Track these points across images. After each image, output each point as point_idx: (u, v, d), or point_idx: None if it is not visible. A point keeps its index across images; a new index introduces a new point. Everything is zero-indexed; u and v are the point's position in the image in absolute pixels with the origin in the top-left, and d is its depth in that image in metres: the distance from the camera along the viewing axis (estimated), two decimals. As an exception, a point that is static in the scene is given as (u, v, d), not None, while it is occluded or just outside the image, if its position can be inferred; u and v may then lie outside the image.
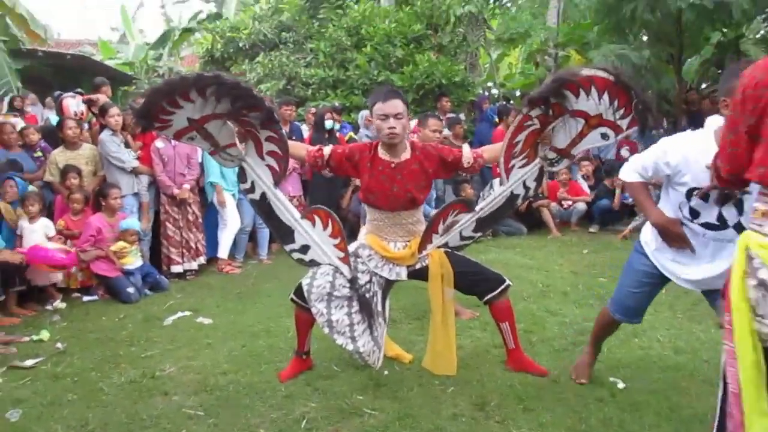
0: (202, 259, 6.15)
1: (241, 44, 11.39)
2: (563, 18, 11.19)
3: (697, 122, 8.55)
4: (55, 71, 13.80)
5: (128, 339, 4.24)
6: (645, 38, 10.04)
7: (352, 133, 8.15)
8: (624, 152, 8.64)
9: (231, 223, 6.28)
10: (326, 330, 3.13)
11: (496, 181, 7.04)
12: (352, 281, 3.17)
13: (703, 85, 11.60)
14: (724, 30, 10.08)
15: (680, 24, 8.90)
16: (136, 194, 5.90)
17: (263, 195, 3.13)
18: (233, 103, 2.84)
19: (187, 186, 5.97)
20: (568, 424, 2.81)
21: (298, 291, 3.28)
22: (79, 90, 6.98)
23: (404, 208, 3.20)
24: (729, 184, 2.06)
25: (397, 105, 3.06)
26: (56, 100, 7.01)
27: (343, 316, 3.14)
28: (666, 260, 2.78)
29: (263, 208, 3.18)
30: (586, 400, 3.03)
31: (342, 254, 3.19)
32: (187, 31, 18.90)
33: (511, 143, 3.10)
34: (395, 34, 9.50)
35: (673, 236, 2.68)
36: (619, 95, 2.84)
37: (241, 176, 3.12)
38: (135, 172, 5.84)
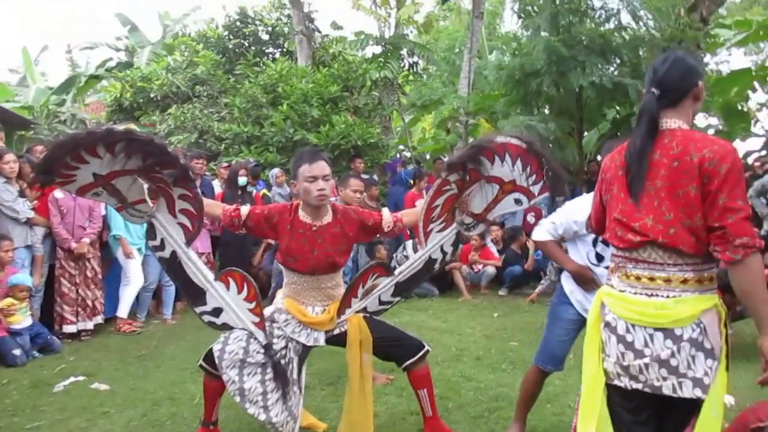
0: (99, 318, 5.74)
1: (152, 95, 11.11)
2: (472, 88, 11.72)
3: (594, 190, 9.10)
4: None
5: (12, 408, 3.85)
6: (548, 111, 10.65)
7: (265, 190, 8.04)
8: (530, 218, 8.99)
9: (134, 280, 5.94)
10: (237, 399, 2.95)
11: (409, 243, 7.11)
12: (267, 347, 3.02)
13: (599, 157, 12.39)
14: (618, 108, 10.89)
15: (581, 100, 9.52)
16: (29, 247, 5.47)
17: (173, 253, 2.97)
18: (145, 160, 2.72)
19: (86, 240, 5.62)
20: (488, 496, 2.75)
21: (208, 357, 3.09)
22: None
23: (324, 272, 3.12)
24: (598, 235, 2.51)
25: (324, 167, 3.04)
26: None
27: (256, 384, 2.98)
28: (587, 304, 2.99)
29: (173, 267, 3.01)
30: (504, 470, 2.99)
31: (257, 319, 3.06)
32: (95, 77, 18.32)
33: (429, 207, 3.15)
34: (312, 94, 9.59)
35: (586, 280, 3.03)
36: (531, 162, 3.01)
37: (150, 233, 2.95)
38: (29, 223, 5.44)
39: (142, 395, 4.06)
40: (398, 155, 12.48)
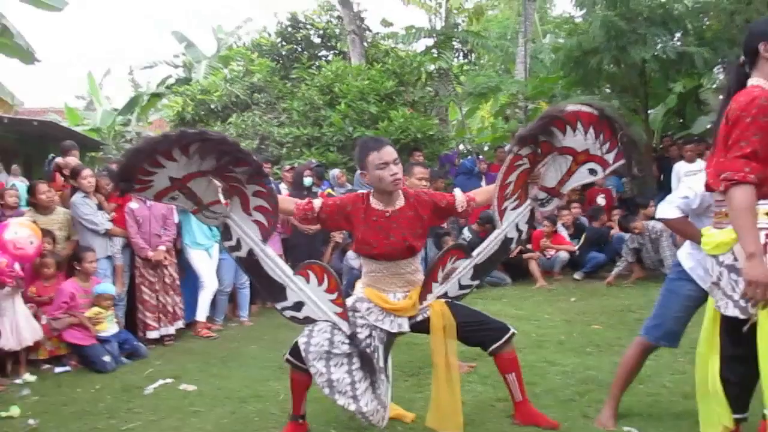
0: (180, 323, 5.89)
1: (212, 106, 11.39)
2: (529, 73, 11.50)
3: (664, 168, 8.72)
4: (20, 139, 13.54)
5: (107, 411, 3.96)
6: (609, 90, 10.33)
7: (330, 190, 8.08)
8: (600, 200, 8.75)
9: (209, 284, 6.07)
10: (326, 391, 2.95)
11: (466, 229, 7.06)
12: (352, 337, 3.01)
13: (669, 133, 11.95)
14: (683, 81, 10.47)
15: (644, 75, 9.20)
16: (109, 257, 5.67)
17: (250, 252, 2.98)
18: (219, 159, 2.73)
19: (162, 248, 5.77)
20: (589, 479, 2.65)
21: (294, 351, 3.10)
22: (53, 155, 6.83)
23: (402, 257, 3.09)
24: None
25: (392, 151, 3.02)
26: (49, 164, 6.88)
27: (343, 374, 2.97)
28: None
29: (251, 265, 3.02)
30: (603, 453, 2.88)
31: (340, 309, 3.05)
32: (156, 96, 18.93)
33: (503, 184, 3.09)
34: (368, 90, 9.61)
35: None
36: (603, 129, 2.96)
37: (226, 234, 2.96)
38: (108, 234, 5.63)
39: (228, 394, 4.12)
40: (455, 148, 12.38)
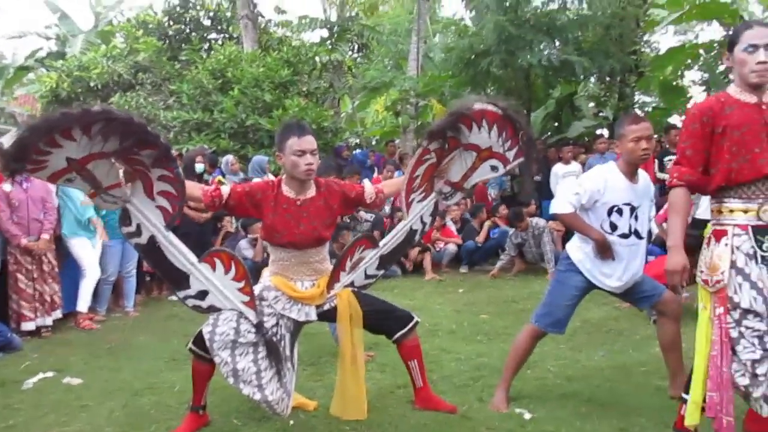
0: (58, 313, 5.52)
1: (91, 84, 10.71)
2: (420, 71, 11.77)
3: (544, 168, 9.28)
4: None
5: (-20, 408, 3.66)
6: (496, 92, 10.81)
7: (221, 177, 7.87)
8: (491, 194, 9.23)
9: (91, 272, 5.72)
10: (231, 380, 2.90)
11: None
12: (258, 326, 2.98)
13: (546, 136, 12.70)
14: (561, 87, 11.16)
15: (529, 79, 9.73)
16: (-21, 242, 5.21)
17: (152, 238, 2.84)
18: (123, 140, 2.57)
19: (46, 236, 5.40)
20: (488, 457, 2.81)
21: (198, 340, 3.02)
22: None
23: (311, 246, 3.10)
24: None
25: (312, 141, 3.01)
26: None
27: (249, 363, 2.93)
28: (597, 273, 3.29)
29: (152, 252, 2.88)
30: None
31: (247, 298, 3.00)
32: (23, 69, 17.50)
33: (411, 177, 3.18)
34: (263, 78, 9.43)
35: (606, 248, 3.21)
36: (506, 127, 3.09)
37: (125, 219, 2.80)
38: (-22, 217, 5.17)
39: (119, 386, 3.94)
40: (345, 140, 12.43)
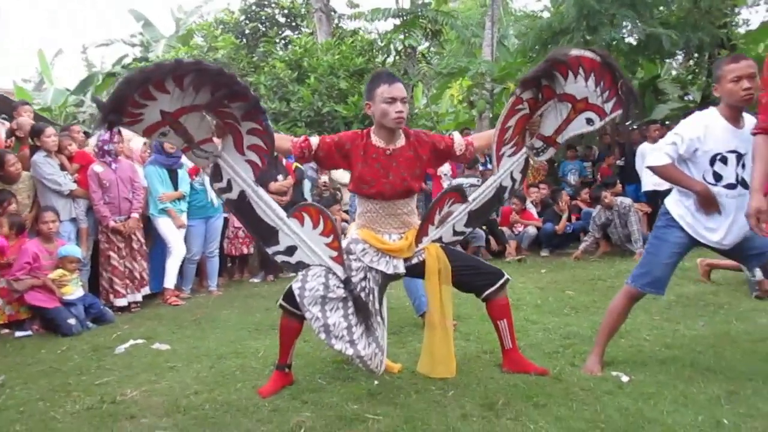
0: (146, 290, 5.70)
1: (175, 83, 11.01)
2: (494, 58, 11.55)
3: (628, 152, 8.91)
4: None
5: (77, 369, 3.79)
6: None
7: (297, 163, 7.96)
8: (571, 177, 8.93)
9: (177, 251, 5.88)
10: (322, 335, 2.87)
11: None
12: (347, 282, 2.93)
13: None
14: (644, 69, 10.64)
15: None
16: (73, 220, 5.45)
17: (242, 193, 2.85)
18: (214, 92, 2.57)
19: (135, 215, 5.62)
20: (586, 416, 2.65)
21: (288, 296, 3.02)
22: (3, 116, 6.48)
23: (399, 197, 3.03)
24: None
25: (402, 88, 2.95)
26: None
27: (339, 318, 2.89)
28: (700, 228, 3.05)
29: (242, 208, 2.89)
30: (595, 393, 2.89)
31: (335, 253, 2.97)
32: (111, 75, 18.29)
33: (503, 128, 3.06)
34: (338, 66, 9.48)
35: (711, 201, 2.97)
36: (604, 77, 2.94)
37: (216, 175, 2.82)
38: (72, 195, 5.40)
39: (205, 352, 4.00)
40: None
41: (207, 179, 6.05)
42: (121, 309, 5.46)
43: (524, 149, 3.16)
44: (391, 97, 2.89)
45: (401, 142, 3.03)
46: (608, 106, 3.02)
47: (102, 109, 2.49)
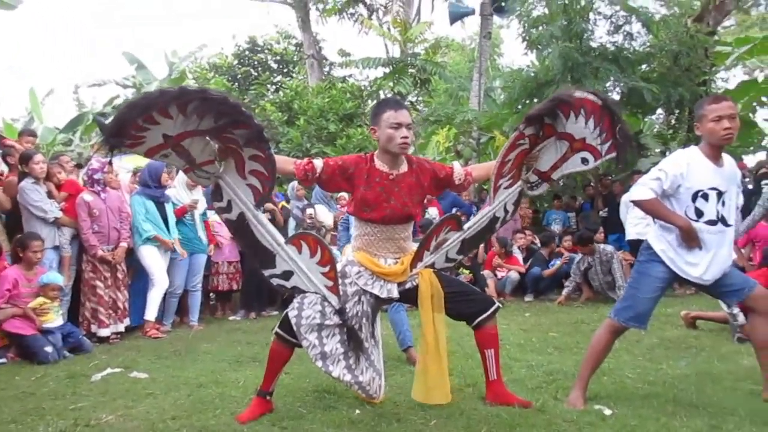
0: (127, 321, 5.62)
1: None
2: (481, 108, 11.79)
3: (611, 203, 9.03)
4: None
5: (51, 394, 3.71)
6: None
7: (284, 203, 8.00)
8: (554, 226, 9.01)
9: (159, 282, 5.81)
10: (319, 363, 2.90)
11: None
12: (341, 312, 2.95)
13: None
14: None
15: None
16: (56, 248, 5.39)
17: (241, 215, 2.87)
18: (218, 119, 2.61)
19: (124, 245, 5.60)
20: (568, 445, 2.63)
21: (284, 324, 3.03)
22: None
23: (398, 223, 3.07)
24: None
25: (407, 115, 3.02)
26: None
27: (336, 345, 2.94)
28: (681, 263, 3.10)
29: (240, 229, 2.91)
30: (578, 425, 2.89)
31: (331, 283, 2.99)
32: (101, 115, 18.39)
33: (503, 161, 3.14)
34: (328, 109, 9.64)
35: (692, 236, 3.03)
36: (604, 119, 3.03)
37: (216, 194, 2.84)
38: (57, 223, 5.37)
39: (184, 381, 3.92)
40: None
41: (197, 215, 6.19)
42: (100, 340, 5.37)
43: (519, 182, 3.23)
44: (397, 122, 2.96)
45: (404, 167, 3.09)
46: (604, 148, 3.12)
47: (104, 132, 2.51)
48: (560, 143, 3.11)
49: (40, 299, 4.83)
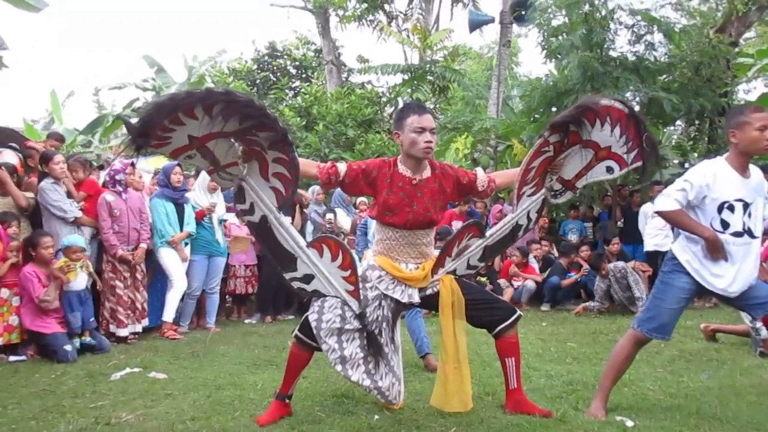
0: (146, 321, 5.65)
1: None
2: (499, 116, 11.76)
3: (628, 214, 8.96)
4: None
5: (71, 392, 3.74)
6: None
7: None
8: (572, 236, 8.93)
9: (178, 284, 5.84)
10: (339, 367, 2.90)
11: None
12: (361, 316, 2.95)
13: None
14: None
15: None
16: (77, 248, 5.42)
17: (263, 218, 2.88)
18: (242, 122, 2.62)
19: (143, 245, 5.62)
20: (590, 456, 2.60)
21: (304, 327, 3.03)
22: (12, 145, 6.54)
23: (421, 227, 3.06)
24: None
25: (431, 120, 3.01)
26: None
27: (356, 349, 2.94)
28: (707, 274, 3.05)
29: (262, 231, 2.92)
30: (600, 436, 2.84)
31: (352, 287, 2.99)
32: (121, 118, 18.53)
33: (527, 169, 3.12)
34: (346, 115, 9.67)
35: (718, 248, 2.97)
36: (630, 128, 3.01)
37: (239, 196, 2.85)
38: (77, 223, 5.41)
39: (202, 382, 3.94)
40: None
41: (215, 218, 6.21)
42: (118, 339, 5.39)
43: (543, 190, 3.22)
44: (421, 126, 2.94)
45: (427, 173, 3.08)
46: (629, 157, 3.09)
47: (131, 132, 2.52)
48: (585, 151, 3.10)
49: (64, 259, 4.88)
